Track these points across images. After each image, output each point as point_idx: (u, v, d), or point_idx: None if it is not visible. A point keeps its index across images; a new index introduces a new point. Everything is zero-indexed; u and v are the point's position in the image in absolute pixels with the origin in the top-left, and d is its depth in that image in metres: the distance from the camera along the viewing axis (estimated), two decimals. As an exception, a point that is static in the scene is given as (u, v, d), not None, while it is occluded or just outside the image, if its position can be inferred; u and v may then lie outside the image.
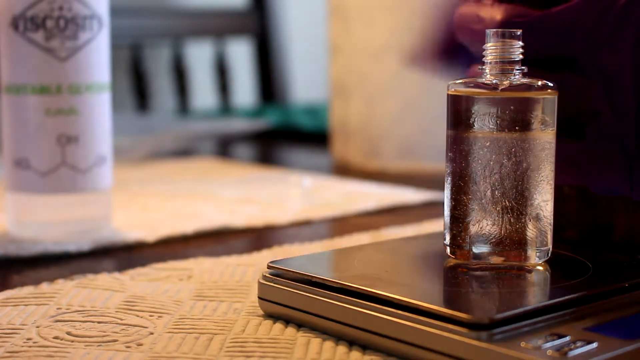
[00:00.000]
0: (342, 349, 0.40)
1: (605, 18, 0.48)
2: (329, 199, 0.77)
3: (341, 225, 0.69)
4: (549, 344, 0.36)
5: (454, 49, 0.54)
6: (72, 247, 0.58)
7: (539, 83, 0.45)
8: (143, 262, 0.55)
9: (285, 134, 1.31)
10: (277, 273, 0.45)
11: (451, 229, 0.46)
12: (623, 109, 0.48)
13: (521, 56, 0.45)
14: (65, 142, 0.59)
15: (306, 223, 0.69)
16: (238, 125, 1.18)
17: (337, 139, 1.01)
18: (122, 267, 0.55)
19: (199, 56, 1.69)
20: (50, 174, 0.59)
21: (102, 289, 0.49)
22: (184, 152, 1.09)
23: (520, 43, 0.45)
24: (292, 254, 0.58)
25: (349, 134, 0.99)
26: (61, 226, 0.60)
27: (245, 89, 1.75)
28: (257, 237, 0.65)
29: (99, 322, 0.44)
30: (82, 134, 0.60)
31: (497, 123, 0.45)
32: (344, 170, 0.97)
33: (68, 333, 0.43)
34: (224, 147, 1.21)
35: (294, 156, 1.19)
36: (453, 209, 0.46)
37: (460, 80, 0.46)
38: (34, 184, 0.59)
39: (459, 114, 0.45)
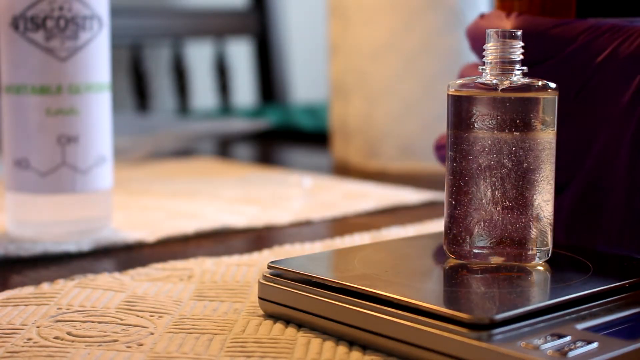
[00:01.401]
0: (342, 349, 0.40)
1: (580, 75, 0.49)
2: (329, 199, 0.77)
3: (341, 225, 0.69)
4: (549, 344, 0.36)
5: None
6: (72, 247, 0.58)
7: (539, 83, 0.45)
8: (143, 262, 0.55)
9: (285, 134, 1.31)
10: (278, 273, 0.45)
11: (451, 229, 0.46)
12: (613, 168, 0.49)
13: (521, 56, 0.45)
14: (65, 142, 0.59)
15: (306, 223, 0.69)
16: (238, 125, 1.18)
17: (337, 139, 1.01)
18: (122, 267, 0.55)
19: (199, 56, 1.69)
20: (50, 174, 0.59)
21: (103, 289, 0.49)
22: (184, 152, 1.09)
23: (521, 43, 0.45)
24: (293, 254, 0.58)
25: (349, 134, 0.99)
26: (61, 226, 0.60)
27: (245, 89, 1.75)
28: (257, 237, 0.65)
29: (99, 322, 0.44)
30: (82, 134, 0.60)
31: (497, 123, 0.45)
32: (344, 170, 0.97)
33: (68, 333, 0.43)
34: (224, 147, 1.21)
35: (294, 156, 1.19)
36: (453, 209, 0.46)
37: (460, 81, 0.46)
38: (34, 184, 0.59)
39: (459, 114, 0.45)
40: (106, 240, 0.60)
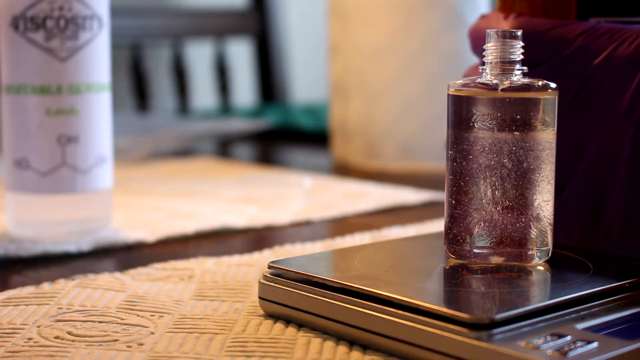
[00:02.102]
0: (342, 348, 0.40)
1: (578, 77, 0.49)
2: (329, 199, 0.77)
3: (341, 225, 0.69)
4: (549, 344, 0.36)
5: None
6: (72, 247, 0.58)
7: (539, 83, 0.45)
8: (143, 262, 0.55)
9: (285, 134, 1.31)
10: (278, 273, 0.45)
11: (451, 229, 0.46)
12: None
13: (521, 56, 0.45)
14: (66, 142, 0.59)
15: (306, 223, 0.69)
16: (238, 125, 1.18)
17: (337, 139, 1.01)
18: (122, 267, 0.55)
19: (199, 56, 1.69)
20: (50, 174, 0.59)
21: (103, 289, 0.49)
22: (184, 152, 1.09)
23: (521, 43, 0.45)
24: (293, 254, 0.58)
25: (349, 134, 0.99)
26: (61, 226, 0.60)
27: (245, 89, 1.75)
28: (257, 237, 0.65)
29: (99, 322, 0.44)
30: (82, 134, 0.60)
31: (497, 123, 0.45)
32: (344, 170, 0.97)
33: (69, 333, 0.43)
34: (224, 147, 1.21)
35: (294, 156, 1.19)
36: (453, 209, 0.46)
37: (461, 81, 0.46)
38: (34, 184, 0.59)
39: (459, 114, 0.45)
40: (106, 240, 0.60)
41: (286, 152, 1.22)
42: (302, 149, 1.22)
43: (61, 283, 0.51)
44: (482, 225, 0.45)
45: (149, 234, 0.63)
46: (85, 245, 0.59)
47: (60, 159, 0.59)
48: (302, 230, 0.67)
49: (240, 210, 0.72)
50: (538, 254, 0.45)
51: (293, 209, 0.73)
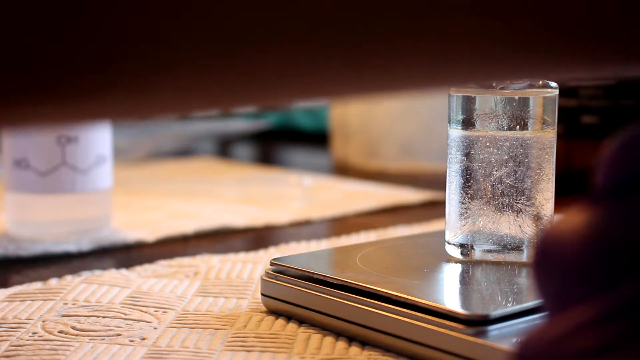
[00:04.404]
0: (341, 344, 0.40)
1: None
2: (329, 198, 0.77)
3: (341, 225, 0.69)
4: (549, 341, 0.36)
5: None
6: (72, 247, 0.58)
7: (540, 82, 0.45)
8: (142, 262, 0.55)
9: (285, 134, 1.31)
10: (279, 270, 0.45)
11: (452, 227, 0.46)
12: None
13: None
14: (65, 142, 0.59)
15: (306, 223, 0.69)
16: (238, 125, 1.18)
17: (337, 139, 1.01)
18: (121, 267, 0.55)
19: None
20: (50, 173, 0.59)
21: (109, 285, 0.50)
22: (184, 152, 1.09)
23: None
24: (299, 252, 0.58)
25: (349, 134, 0.99)
26: (61, 226, 0.60)
27: (245, 89, 1.75)
28: (257, 237, 0.65)
29: (103, 317, 0.44)
30: (81, 133, 0.60)
31: (498, 122, 0.45)
32: (344, 170, 0.97)
33: (73, 327, 0.43)
34: (224, 147, 1.21)
35: (294, 156, 1.19)
36: (454, 207, 0.46)
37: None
38: (33, 183, 0.59)
39: (460, 113, 0.45)
40: (106, 240, 0.60)
41: (286, 152, 1.22)
42: (302, 149, 1.22)
43: (68, 279, 0.51)
44: (482, 223, 0.45)
45: (148, 233, 0.63)
46: (85, 245, 0.59)
47: (60, 159, 0.59)
48: (302, 230, 0.67)
49: (240, 210, 0.72)
50: (538, 252, 0.45)
51: (293, 209, 0.73)
